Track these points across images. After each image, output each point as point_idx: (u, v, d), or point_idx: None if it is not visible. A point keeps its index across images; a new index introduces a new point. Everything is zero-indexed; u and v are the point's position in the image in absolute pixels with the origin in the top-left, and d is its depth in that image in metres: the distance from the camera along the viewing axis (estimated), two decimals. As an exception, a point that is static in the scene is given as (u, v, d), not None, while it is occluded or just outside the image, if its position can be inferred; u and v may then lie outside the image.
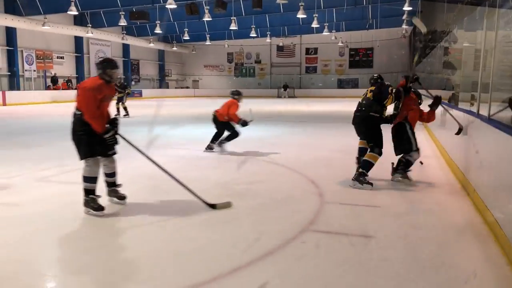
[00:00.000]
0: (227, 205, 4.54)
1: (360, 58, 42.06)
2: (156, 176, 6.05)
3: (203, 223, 4.10)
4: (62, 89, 29.68)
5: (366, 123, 5.63)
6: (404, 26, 30.10)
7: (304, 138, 10.69)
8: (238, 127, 8.22)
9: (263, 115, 17.91)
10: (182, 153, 8.20)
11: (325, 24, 30.16)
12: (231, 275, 2.98)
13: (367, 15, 29.29)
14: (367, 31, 34.88)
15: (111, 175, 4.71)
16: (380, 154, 5.49)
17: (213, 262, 3.21)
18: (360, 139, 6.01)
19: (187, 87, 46.24)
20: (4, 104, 23.86)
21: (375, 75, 6.14)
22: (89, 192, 4.41)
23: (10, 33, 26.66)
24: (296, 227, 3.92)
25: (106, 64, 4.53)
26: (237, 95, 8.30)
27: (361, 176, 5.43)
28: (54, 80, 29.94)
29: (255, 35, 33.37)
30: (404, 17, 26.00)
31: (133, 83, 38.97)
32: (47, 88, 28.97)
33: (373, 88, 5.81)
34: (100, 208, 4.32)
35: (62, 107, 23.45)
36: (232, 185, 5.58)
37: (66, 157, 7.61)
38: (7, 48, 26.83)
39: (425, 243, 3.61)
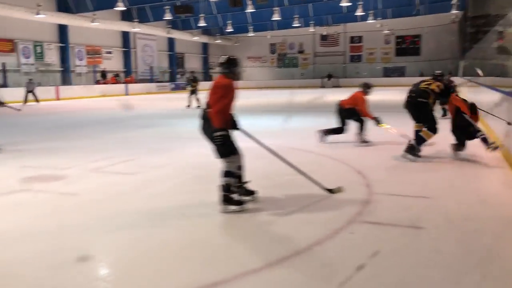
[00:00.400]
0: (341, 190, 4.63)
1: (407, 45, 40.86)
2: (202, 167, 6.18)
3: (248, 213, 4.14)
4: (111, 83, 30.65)
5: (420, 108, 6.44)
6: (453, 11, 28.88)
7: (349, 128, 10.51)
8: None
9: (307, 105, 17.79)
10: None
11: (370, 12, 29.49)
12: (279, 263, 3.00)
13: (414, 0, 28.36)
14: (414, 18, 33.79)
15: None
16: (434, 132, 6.25)
17: (260, 251, 3.24)
18: (416, 123, 6.76)
19: (231, 79, 46.38)
20: (58, 98, 24.93)
21: (438, 71, 6.94)
22: (228, 188, 4.24)
23: (63, 30, 27.77)
24: (344, 217, 3.89)
25: (233, 63, 4.45)
26: (367, 88, 7.88)
27: (413, 149, 6.18)
28: (103, 74, 30.97)
29: (298, 25, 33.11)
30: (454, 1, 24.96)
31: (178, 76, 39.68)
32: (97, 82, 30.00)
33: (431, 81, 6.58)
34: (240, 202, 4.21)
35: (111, 100, 24.25)
36: (277, 176, 5.60)
37: (114, 149, 7.93)
38: (60, 45, 27.97)
39: (478, 235, 3.50)
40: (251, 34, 38.42)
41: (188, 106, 16.84)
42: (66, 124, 12.80)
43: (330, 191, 4.60)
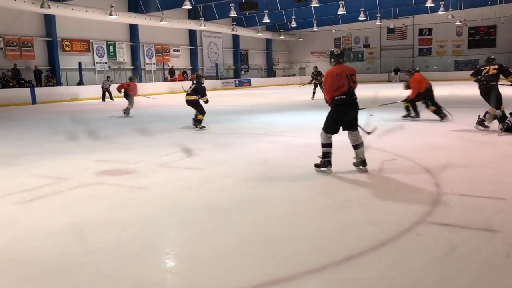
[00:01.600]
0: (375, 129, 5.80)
1: (481, 37, 38.56)
2: (266, 163, 6.22)
3: (314, 210, 4.11)
4: (179, 80, 31.59)
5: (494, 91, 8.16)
6: (535, -1, 26.84)
7: (417, 124, 10.13)
8: None
9: (373, 100, 17.30)
10: (290, 140, 8.27)
11: (441, 3, 28.10)
12: (342, 263, 2.95)
13: (490, -11, 26.68)
14: (489, 7, 31.78)
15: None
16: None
17: (324, 249, 3.21)
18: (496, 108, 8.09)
19: (294, 75, 46.33)
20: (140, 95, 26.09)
21: (492, 56, 8.58)
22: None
23: (133, 29, 29.03)
24: (411, 218, 3.76)
25: (340, 55, 5.55)
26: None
27: (482, 122, 8.21)
28: (172, 72, 32.01)
29: (364, 18, 32.25)
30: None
31: (242, 72, 40.16)
32: (165, 79, 31.04)
33: (495, 66, 8.27)
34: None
35: (179, 97, 25.02)
36: (342, 173, 5.50)
37: (181, 144, 8.16)
38: (131, 44, 29.26)
39: (561, 241, 3.24)
40: (315, 29, 37.99)
41: (312, 97, 18.62)
42: (136, 120, 13.36)
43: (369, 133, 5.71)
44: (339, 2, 26.10)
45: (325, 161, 5.44)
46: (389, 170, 5.64)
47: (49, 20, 23.69)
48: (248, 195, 4.69)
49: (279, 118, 12.49)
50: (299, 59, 47.39)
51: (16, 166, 6.41)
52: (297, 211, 4.11)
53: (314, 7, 27.39)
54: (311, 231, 3.59)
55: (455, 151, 6.75)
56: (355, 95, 5.40)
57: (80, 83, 25.06)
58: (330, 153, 5.46)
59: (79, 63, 25.23)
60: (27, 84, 22.09)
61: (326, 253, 3.13)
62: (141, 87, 27.44)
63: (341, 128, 5.45)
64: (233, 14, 27.12)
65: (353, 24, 39.24)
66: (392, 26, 40.22)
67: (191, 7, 25.14)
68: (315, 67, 19.60)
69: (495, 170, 5.43)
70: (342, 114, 5.40)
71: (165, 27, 29.23)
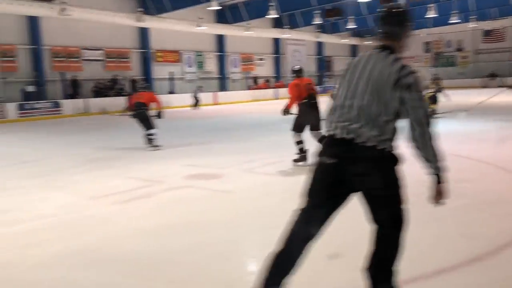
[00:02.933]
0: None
1: None
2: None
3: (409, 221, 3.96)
4: (262, 89, 32.12)
5: None
6: None
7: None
8: None
9: (468, 107, 16.30)
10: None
11: (546, 0, 25.79)
12: (434, 276, 2.83)
13: None
14: None
15: None
16: None
17: (413, 261, 3.08)
18: None
19: (380, 81, 44.94)
20: (216, 103, 27.03)
21: None
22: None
23: (220, 40, 30.08)
24: (509, 233, 3.49)
25: (299, 71, 7.08)
26: None
27: None
28: (255, 80, 32.65)
29: (457, 21, 30.54)
30: None
31: (326, 79, 39.85)
32: (249, 88, 31.70)
33: None
34: None
35: (262, 105, 25.42)
36: (432, 183, 5.24)
37: (266, 151, 8.29)
38: (218, 53, 30.32)
39: None
40: (403, 33, 36.66)
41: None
42: (223, 127, 13.80)
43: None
44: (429, 6, 24.98)
45: (302, 156, 6.60)
46: (487, 181, 5.28)
47: (144, 33, 25.30)
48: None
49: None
50: (386, 65, 45.92)
51: (114, 169, 6.92)
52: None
53: (402, 11, 26.47)
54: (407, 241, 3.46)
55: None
56: (315, 99, 6.79)
57: (171, 92, 26.42)
58: (304, 148, 6.60)
59: (171, 73, 26.62)
60: (124, 93, 23.74)
61: (416, 265, 3.00)
62: (226, 95, 28.37)
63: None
64: (317, 21, 27.07)
65: (444, 28, 37.27)
66: (488, 28, 37.63)
67: (276, 16, 25.49)
68: (435, 74, 19.04)
69: None
70: (306, 115, 6.62)
71: (250, 36, 29.92)
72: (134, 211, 4.64)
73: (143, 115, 9.01)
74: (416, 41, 41.74)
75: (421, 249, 3.32)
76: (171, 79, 26.65)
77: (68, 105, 20.55)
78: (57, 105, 20.13)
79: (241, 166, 6.71)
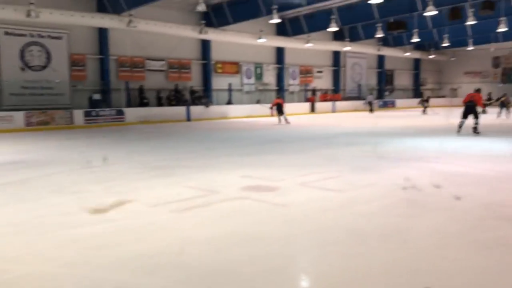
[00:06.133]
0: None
1: None
2: (411, 189, 5.92)
3: (466, 245, 3.79)
4: (320, 101, 31.90)
5: None
6: None
7: None
8: None
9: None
10: (437, 166, 7.75)
11: None
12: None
13: None
14: None
15: None
16: None
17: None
18: None
19: (444, 96, 43.37)
20: (273, 115, 27.16)
21: None
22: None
23: (279, 52, 30.29)
24: None
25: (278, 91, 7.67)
26: None
27: None
28: (313, 92, 32.52)
29: (529, 35, 28.95)
30: None
31: (386, 93, 38.98)
32: (307, 100, 31.58)
33: None
34: None
35: (320, 117, 25.25)
36: (498, 206, 4.98)
37: (322, 164, 8.21)
38: (277, 65, 30.54)
39: None
40: (470, 47, 35.22)
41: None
42: (279, 138, 13.83)
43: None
44: (500, 19, 23.84)
45: None
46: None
47: (205, 45, 25.99)
48: (391, 222, 4.52)
49: (425, 142, 11.79)
50: (451, 79, 44.29)
51: (173, 178, 7.12)
52: (446, 244, 3.83)
53: (469, 24, 25.47)
54: (464, 268, 3.31)
55: None
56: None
57: (229, 102, 26.88)
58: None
59: (229, 84, 27.12)
60: (184, 103, 24.48)
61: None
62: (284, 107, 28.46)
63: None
64: (379, 34, 26.62)
65: (515, 42, 35.42)
66: None
67: (337, 29, 25.34)
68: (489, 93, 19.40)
69: None
70: None
71: (309, 49, 29.90)
72: (192, 220, 4.75)
73: None
74: (485, 55, 39.95)
75: (486, 275, 3.16)
76: (230, 90, 27.13)
77: (131, 113, 21.47)
78: (120, 112, 21.08)
79: (297, 180, 6.69)
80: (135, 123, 20.93)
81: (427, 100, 28.76)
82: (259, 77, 29.64)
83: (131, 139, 14.37)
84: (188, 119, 23.29)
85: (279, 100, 21.60)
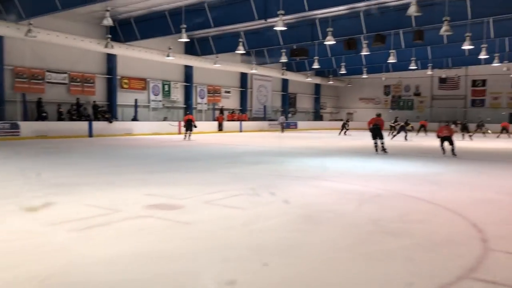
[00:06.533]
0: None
1: (539, 90, 37.30)
2: (308, 206, 6.29)
3: (354, 258, 4.13)
4: (227, 120, 32.39)
5: None
6: None
7: (467, 177, 9.91)
8: None
9: (421, 150, 17.03)
10: (333, 185, 8.30)
11: (495, 55, 27.64)
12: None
13: (549, 42, 26.05)
14: (549, 61, 30.87)
15: None
16: None
17: (363, 297, 3.22)
18: None
19: (341, 120, 46.27)
20: (180, 132, 27.00)
21: None
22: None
23: (188, 71, 30.35)
24: (454, 272, 3.71)
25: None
26: None
27: None
28: (221, 112, 32.95)
29: (415, 67, 32.20)
30: None
31: (289, 115, 40.66)
32: (215, 119, 31.88)
33: None
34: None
35: (227, 136, 25.59)
36: (386, 222, 5.48)
37: (227, 183, 8.38)
38: (185, 84, 30.52)
39: None
40: (364, 75, 38.20)
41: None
42: (186, 157, 13.81)
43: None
44: (390, 51, 26.26)
45: None
46: (435, 222, 5.56)
47: (111, 59, 25.23)
48: (290, 238, 4.77)
49: (325, 162, 12.53)
50: (347, 104, 47.51)
51: (72, 196, 6.81)
52: (337, 258, 4.14)
53: (364, 54, 27.69)
54: (351, 279, 3.62)
55: (505, 207, 6.55)
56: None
57: (135, 119, 26.22)
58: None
59: (136, 100, 26.51)
60: (86, 118, 23.40)
61: (365, 301, 3.14)
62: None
63: None
64: (283, 59, 27.86)
65: (403, 73, 39.13)
66: (444, 76, 39.81)
67: (244, 52, 26.07)
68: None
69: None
70: None
71: (218, 69, 30.36)
72: (91, 239, 4.59)
73: None
74: (377, 83, 43.50)
75: (370, 285, 3.48)
76: (136, 106, 26.52)
77: (27, 126, 20.05)
78: (15, 126, 19.60)
79: (202, 198, 6.76)
80: (31, 138, 19.56)
81: (347, 122, 31.06)
82: (166, 94, 29.37)
83: (27, 154, 13.43)
84: (90, 135, 22.31)
85: (189, 116, 22.27)
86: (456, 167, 11.60)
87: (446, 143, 14.24)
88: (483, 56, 24.81)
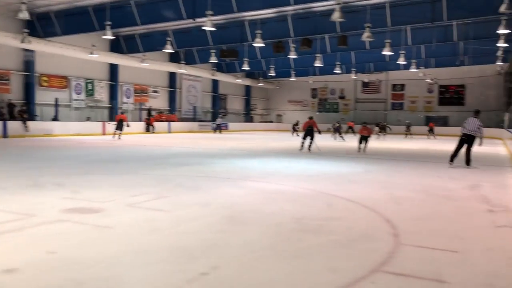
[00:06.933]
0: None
1: (451, 95, 40.42)
2: (233, 207, 6.32)
3: (276, 256, 4.21)
4: (155, 121, 31.72)
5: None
6: (499, 63, 28.53)
7: (384, 176, 10.47)
8: None
9: (344, 151, 17.76)
10: (260, 185, 8.42)
11: (412, 61, 29.54)
12: (297, 308, 3.04)
13: (458, 51, 28.25)
14: (459, 68, 33.52)
15: None
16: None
17: (281, 294, 3.29)
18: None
19: (271, 121, 47.16)
20: (104, 133, 26.04)
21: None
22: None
23: (113, 69, 29.36)
24: (368, 266, 3.90)
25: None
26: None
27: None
28: (149, 112, 32.21)
29: (339, 71, 33.52)
30: (499, 53, 24.71)
31: (220, 116, 40.70)
32: (145, 120, 31.10)
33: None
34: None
35: (154, 137, 25.06)
36: (307, 220, 5.65)
37: (152, 185, 8.20)
38: (110, 82, 29.48)
39: (506, 294, 3.42)
40: (293, 78, 39.17)
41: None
42: (110, 158, 13.34)
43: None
44: (316, 55, 27.13)
45: None
46: (353, 219, 5.82)
47: (28, 55, 23.79)
48: (214, 238, 4.77)
49: (254, 163, 12.67)
50: (277, 106, 48.43)
51: (-19, 200, 6.33)
52: (259, 257, 4.20)
53: (292, 58, 28.39)
54: (270, 277, 3.68)
55: (417, 204, 7.00)
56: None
57: (55, 119, 24.92)
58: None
59: (56, 99, 25.20)
60: (1, 117, 21.89)
61: (283, 298, 3.21)
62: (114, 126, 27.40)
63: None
64: (213, 60, 27.84)
65: (329, 76, 40.64)
66: (366, 80, 41.85)
67: (172, 51, 25.71)
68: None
69: (452, 224, 5.68)
70: None
71: (145, 68, 29.67)
72: (2, 246, 4.30)
73: None
74: (305, 86, 44.76)
75: (289, 283, 3.56)
76: (56, 105, 25.22)
77: None
78: None
79: (125, 200, 6.56)
80: None
81: (297, 124, 32.17)
82: (90, 93, 28.23)
83: None
84: (5, 135, 20.88)
85: (122, 116, 22.60)
86: (375, 167, 12.22)
87: (363, 142, 16.59)
88: (401, 62, 26.39)
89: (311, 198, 7.29)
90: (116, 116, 23.99)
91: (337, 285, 3.44)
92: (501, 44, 20.97)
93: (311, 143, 16.55)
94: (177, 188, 7.86)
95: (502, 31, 18.15)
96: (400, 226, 5.33)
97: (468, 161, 11.79)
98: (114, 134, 21.94)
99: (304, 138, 16.80)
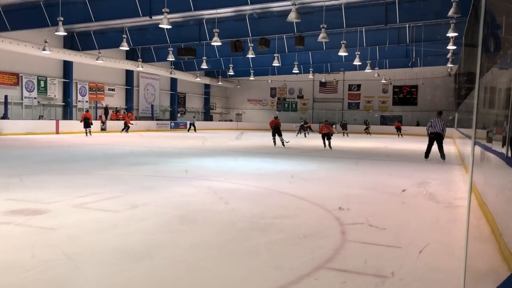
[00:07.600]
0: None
1: (404, 95, 41.68)
2: (184, 207, 6.28)
3: (224, 255, 4.21)
4: (111, 119, 31.01)
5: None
6: (449, 65, 29.68)
7: (337, 174, 10.68)
8: None
9: (299, 149, 17.99)
10: (213, 184, 8.40)
11: (367, 62, 30.24)
12: (239, 307, 3.05)
13: (410, 53, 29.16)
14: (412, 69, 34.62)
15: None
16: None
17: (225, 293, 3.30)
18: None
19: (231, 120, 47.12)
20: (57, 132, 25.22)
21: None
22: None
23: (67, 66, 28.47)
24: (312, 263, 3.96)
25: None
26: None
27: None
28: (107, 110, 31.45)
29: (297, 71, 33.89)
30: (449, 55, 25.70)
31: (178, 115, 40.23)
32: (98, 118, 30.35)
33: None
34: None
35: (111, 136, 24.50)
36: (258, 218, 5.68)
37: (103, 185, 8.02)
38: (63, 80, 28.58)
39: (442, 286, 3.56)
40: (252, 78, 39.27)
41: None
42: (61, 158, 12.94)
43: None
44: (274, 55, 27.32)
45: None
46: (302, 217, 5.90)
47: (-25, 51, 22.75)
48: (161, 239, 4.71)
49: (209, 162, 12.61)
50: (236, 105, 48.44)
51: None
52: (207, 256, 4.18)
53: (251, 57, 28.46)
54: (217, 276, 3.68)
55: (366, 201, 7.18)
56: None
57: (5, 117, 23.93)
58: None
59: (5, 96, 24.20)
60: None
61: (226, 296, 3.21)
62: (70, 124, 26.64)
63: None
64: (171, 58, 27.50)
65: (288, 76, 41.02)
66: (323, 80, 42.49)
67: (128, 49, 25.21)
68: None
69: (397, 221, 5.86)
70: None
71: (101, 65, 28.95)
72: None
73: None
74: (264, 86, 44.99)
75: (234, 281, 3.57)
76: (5, 103, 24.21)
77: None
78: None
79: (73, 201, 6.38)
80: None
81: (306, 124, 33.63)
82: (43, 90, 27.27)
83: None
84: (-51, 134, 19.87)
85: (87, 114, 23.93)
86: (328, 165, 12.45)
87: (325, 138, 17.93)
88: (357, 62, 26.94)
89: (264, 197, 7.33)
90: (82, 115, 24.78)
91: (280, 283, 3.48)
92: (451, 46, 21.81)
93: (282, 139, 18.62)
94: (130, 188, 7.72)
95: (451, 34, 18.87)
96: (348, 224, 5.45)
97: (443, 156, 13.64)
98: (85, 132, 23.42)
99: (273, 136, 19.15)
